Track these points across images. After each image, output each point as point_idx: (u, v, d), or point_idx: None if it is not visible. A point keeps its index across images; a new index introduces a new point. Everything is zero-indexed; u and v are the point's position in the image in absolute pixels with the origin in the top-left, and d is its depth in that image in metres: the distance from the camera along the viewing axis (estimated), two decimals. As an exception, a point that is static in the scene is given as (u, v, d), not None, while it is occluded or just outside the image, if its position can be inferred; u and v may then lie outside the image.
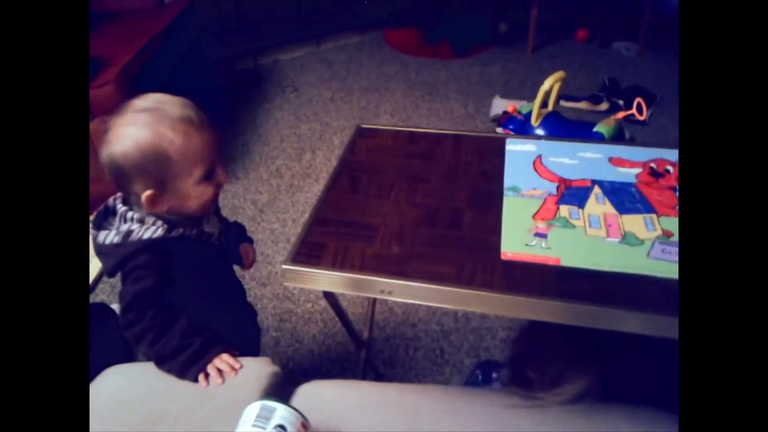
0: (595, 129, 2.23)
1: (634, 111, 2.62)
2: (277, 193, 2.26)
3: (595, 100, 2.76)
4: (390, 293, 0.85)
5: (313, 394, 0.91)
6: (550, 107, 2.33)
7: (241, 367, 0.89)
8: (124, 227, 0.89)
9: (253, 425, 0.72)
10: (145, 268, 0.88)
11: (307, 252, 0.89)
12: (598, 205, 0.95)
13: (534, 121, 2.29)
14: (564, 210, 0.94)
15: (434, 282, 0.82)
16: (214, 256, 1.00)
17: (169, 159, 0.84)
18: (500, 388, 1.18)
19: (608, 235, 0.88)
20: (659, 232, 0.88)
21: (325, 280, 0.88)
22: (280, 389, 0.90)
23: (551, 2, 3.32)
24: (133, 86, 1.86)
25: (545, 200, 0.96)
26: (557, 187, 0.99)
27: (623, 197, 0.96)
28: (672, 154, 1.06)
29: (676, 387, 0.55)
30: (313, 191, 2.25)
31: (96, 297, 1.80)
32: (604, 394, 0.85)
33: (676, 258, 0.82)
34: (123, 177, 0.87)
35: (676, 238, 0.87)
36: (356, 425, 0.84)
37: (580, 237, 0.88)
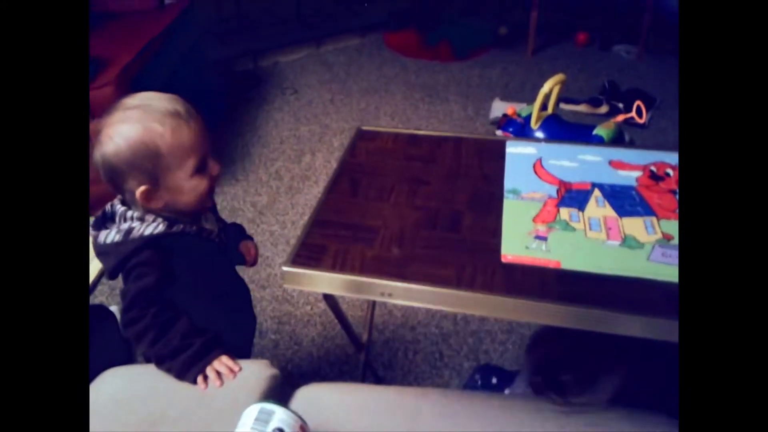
0: (594, 132, 2.23)
1: (633, 114, 2.62)
2: (276, 195, 2.25)
3: (595, 103, 2.76)
4: (390, 296, 0.85)
5: (312, 397, 0.90)
6: (549, 110, 2.34)
7: (240, 369, 0.89)
8: (125, 226, 0.89)
9: (252, 428, 0.71)
10: (147, 265, 0.88)
11: (307, 254, 0.89)
12: (598, 208, 0.94)
13: (534, 123, 2.29)
14: (564, 213, 0.94)
15: (434, 284, 0.82)
16: (214, 252, 1.01)
17: (160, 153, 0.85)
18: (521, 393, 1.17)
19: (608, 238, 0.88)
20: (659, 235, 0.88)
21: (325, 282, 0.88)
22: (279, 392, 0.90)
23: (551, 5, 3.33)
24: (133, 87, 1.85)
25: (545, 203, 0.96)
26: (557, 190, 0.99)
27: (623, 200, 0.96)
28: (672, 157, 1.06)
29: (676, 391, 0.55)
30: (312, 193, 2.25)
31: (95, 299, 1.79)
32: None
33: (677, 261, 0.82)
34: (117, 175, 0.88)
35: (676, 241, 0.86)
36: (355, 428, 0.84)
37: (581, 240, 0.88)
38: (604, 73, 3.09)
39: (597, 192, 0.98)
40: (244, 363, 0.91)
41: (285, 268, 0.88)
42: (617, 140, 2.25)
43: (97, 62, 1.88)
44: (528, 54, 3.37)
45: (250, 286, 1.76)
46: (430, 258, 0.87)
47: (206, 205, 0.97)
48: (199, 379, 0.87)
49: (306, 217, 1.00)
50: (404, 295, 0.84)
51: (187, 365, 0.87)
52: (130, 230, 0.88)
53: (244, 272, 1.19)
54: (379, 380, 1.52)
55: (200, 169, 0.90)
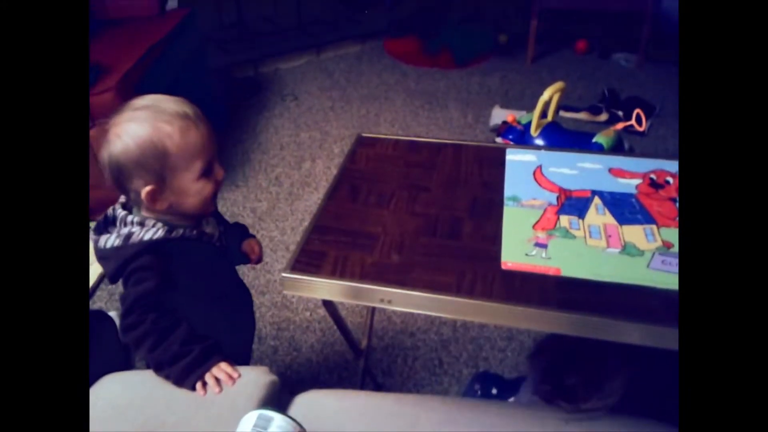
0: (594, 139, 2.23)
1: (633, 122, 2.62)
2: (276, 201, 2.25)
3: (595, 110, 2.77)
4: (390, 302, 0.85)
5: (311, 404, 0.90)
6: (549, 117, 2.34)
7: (239, 376, 0.89)
8: (125, 230, 0.89)
9: (251, 434, 0.71)
10: (146, 270, 0.88)
11: (307, 260, 0.89)
12: (598, 216, 0.95)
13: (533, 131, 2.29)
14: (564, 220, 0.94)
15: (434, 291, 0.82)
16: (214, 257, 1.01)
17: (167, 153, 0.86)
18: (527, 401, 1.16)
19: (608, 246, 0.88)
20: (659, 243, 0.88)
21: (325, 288, 0.88)
22: (278, 398, 0.90)
23: (551, 13, 3.34)
24: (134, 93, 1.86)
25: (545, 210, 0.96)
26: (557, 198, 0.99)
27: (623, 208, 0.96)
28: (672, 165, 1.06)
29: (676, 398, 0.55)
30: (312, 199, 2.25)
31: (94, 304, 1.79)
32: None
33: (677, 269, 0.82)
34: (123, 175, 0.88)
35: (676, 249, 0.87)
36: (354, 435, 0.83)
37: (581, 247, 0.88)
38: (603, 81, 3.10)
39: (597, 200, 0.98)
40: (243, 369, 0.91)
41: (284, 275, 0.88)
42: (617, 148, 2.26)
43: (98, 68, 1.89)
44: (528, 62, 3.38)
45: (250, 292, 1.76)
46: (430, 265, 0.87)
47: (209, 209, 0.97)
48: (198, 385, 0.87)
49: (306, 224, 1.00)
50: (404, 302, 0.84)
51: (185, 372, 0.87)
52: (129, 235, 0.88)
53: (242, 278, 1.19)
54: (378, 387, 1.52)
55: (206, 173, 0.91)
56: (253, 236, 1.19)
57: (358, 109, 2.96)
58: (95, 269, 1.85)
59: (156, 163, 0.86)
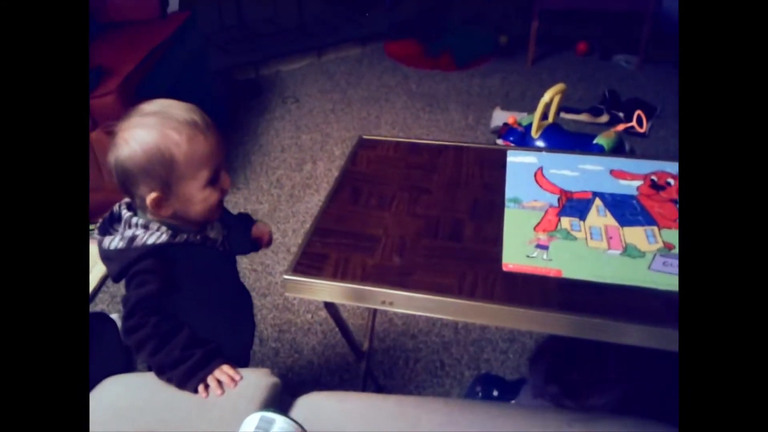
0: (595, 141, 2.23)
1: (634, 123, 2.63)
2: (277, 204, 2.26)
3: (596, 112, 2.77)
4: (391, 304, 0.85)
5: (313, 406, 0.90)
6: (550, 119, 2.34)
7: (241, 378, 0.89)
8: (129, 233, 0.89)
9: (253, 437, 0.71)
10: (149, 273, 0.88)
11: (308, 262, 0.90)
12: (599, 217, 0.95)
13: (534, 132, 2.30)
14: (565, 222, 0.94)
15: (435, 293, 0.82)
16: (217, 262, 1.01)
17: (174, 161, 0.85)
18: (530, 402, 1.16)
19: (609, 247, 0.88)
20: (660, 244, 0.88)
21: (326, 290, 0.88)
22: (280, 400, 0.90)
23: (551, 15, 3.34)
24: (135, 96, 1.86)
25: (546, 212, 0.96)
26: (558, 199, 0.99)
27: (624, 209, 0.96)
28: (673, 167, 1.06)
29: (676, 399, 0.55)
30: (313, 201, 2.25)
31: (96, 306, 1.79)
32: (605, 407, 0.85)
33: (678, 270, 0.82)
34: (129, 180, 0.88)
35: (677, 250, 0.87)
36: (356, 437, 0.83)
37: (582, 249, 0.88)
38: (604, 82, 3.10)
39: (598, 201, 0.98)
40: (245, 371, 0.91)
41: (286, 277, 0.88)
42: (618, 149, 2.26)
43: (99, 71, 1.89)
44: (528, 63, 3.38)
45: (251, 295, 1.76)
46: (431, 267, 0.87)
47: (215, 216, 0.96)
48: (200, 387, 0.87)
49: (307, 226, 1.01)
50: (405, 304, 0.84)
51: (187, 375, 0.87)
52: (133, 238, 0.88)
53: (243, 280, 1.19)
54: (379, 389, 1.52)
55: (213, 181, 0.90)
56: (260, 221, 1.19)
57: (359, 111, 2.96)
58: (97, 271, 1.85)
59: (162, 171, 0.85)
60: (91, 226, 0.94)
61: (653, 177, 1.04)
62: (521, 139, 2.33)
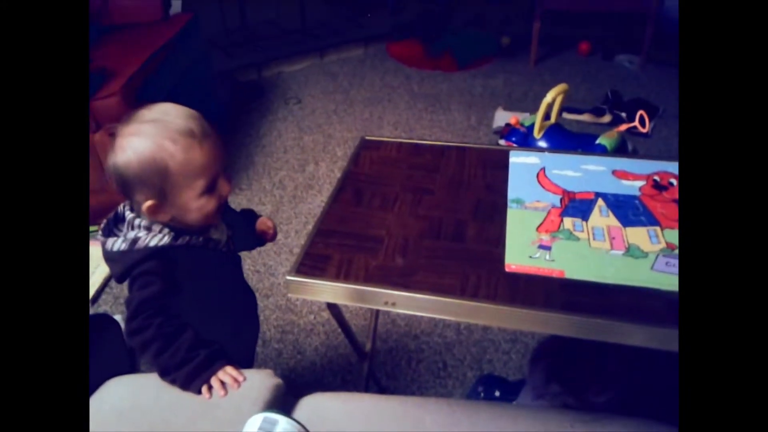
0: (597, 141, 2.23)
1: (636, 123, 2.62)
2: (280, 205, 2.26)
3: (598, 112, 2.77)
4: (394, 305, 0.85)
5: (316, 407, 0.90)
6: (552, 119, 2.34)
7: (245, 379, 0.89)
8: (132, 234, 0.90)
9: (256, 437, 0.71)
10: (152, 275, 0.88)
11: (311, 263, 0.90)
12: (601, 218, 0.95)
13: (537, 133, 2.30)
14: (568, 222, 0.94)
15: (438, 294, 0.82)
16: (220, 263, 1.01)
17: (168, 171, 0.85)
18: (531, 402, 1.16)
19: (612, 248, 0.88)
20: (663, 244, 0.88)
21: (329, 291, 0.88)
22: (283, 401, 0.90)
23: (554, 15, 3.34)
24: (138, 98, 1.87)
25: (549, 212, 0.96)
26: (561, 200, 0.99)
27: (627, 210, 0.96)
28: (675, 167, 1.06)
29: (676, 399, 0.55)
30: (316, 202, 2.26)
31: (99, 307, 1.80)
32: (607, 404, 0.85)
33: (681, 271, 0.82)
34: (126, 186, 0.88)
35: (680, 250, 0.86)
36: (359, 438, 0.83)
37: (584, 249, 0.88)
38: (606, 82, 3.10)
39: (600, 201, 0.98)
40: (248, 373, 0.91)
41: (289, 278, 0.88)
42: (620, 150, 2.26)
43: (102, 73, 1.90)
44: (531, 64, 3.38)
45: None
46: (434, 267, 0.87)
47: (212, 222, 0.96)
48: (204, 389, 0.87)
49: (310, 227, 1.01)
50: (408, 305, 0.84)
51: (191, 376, 0.87)
52: (136, 240, 0.89)
53: (247, 280, 1.19)
54: (382, 390, 1.52)
55: (209, 190, 0.90)
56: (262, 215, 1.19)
57: (362, 112, 2.96)
58: (101, 272, 1.85)
59: (157, 180, 0.86)
60: (95, 228, 0.95)
61: (656, 177, 1.04)
62: (524, 139, 2.33)
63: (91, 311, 1.76)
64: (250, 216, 1.16)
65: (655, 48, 3.21)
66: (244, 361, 1.10)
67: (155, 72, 2.07)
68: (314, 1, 3.73)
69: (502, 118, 2.70)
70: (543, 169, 1.08)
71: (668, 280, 0.81)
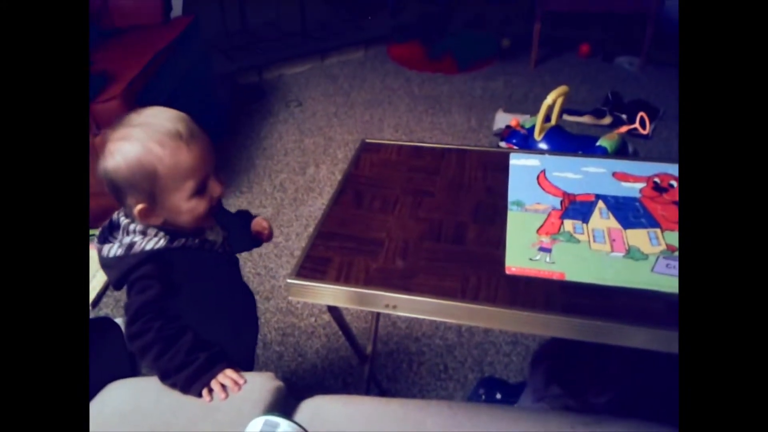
0: (598, 143, 2.23)
1: (637, 125, 2.63)
2: (280, 207, 2.26)
3: (598, 114, 2.77)
4: (395, 307, 0.85)
5: (317, 409, 0.90)
6: (553, 121, 2.34)
7: (245, 382, 0.89)
8: (127, 239, 0.90)
9: (257, 440, 0.71)
10: (149, 278, 0.88)
11: (312, 266, 0.90)
12: (602, 220, 0.95)
13: (537, 135, 2.30)
14: (568, 224, 0.94)
15: (439, 296, 0.82)
16: (217, 264, 1.01)
17: (157, 175, 0.85)
18: (532, 405, 1.16)
19: (613, 250, 0.88)
20: (663, 246, 0.88)
21: (330, 294, 0.88)
22: (284, 404, 0.90)
23: (554, 17, 3.35)
24: (139, 101, 1.87)
25: (549, 215, 0.96)
26: (561, 202, 0.99)
27: (627, 212, 0.96)
28: (676, 169, 1.06)
29: (676, 400, 0.55)
30: (316, 205, 2.26)
31: (100, 311, 1.80)
32: (608, 406, 0.85)
33: (681, 273, 0.82)
34: (117, 191, 0.89)
35: (680, 252, 0.86)
36: (360, 441, 0.83)
37: (585, 251, 0.88)
38: (607, 84, 3.10)
39: (601, 204, 0.98)
40: (249, 375, 0.91)
41: (290, 280, 0.88)
42: (621, 151, 2.26)
43: (103, 77, 1.90)
44: (531, 66, 3.38)
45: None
46: (435, 270, 0.87)
47: (204, 223, 0.96)
48: (204, 392, 0.87)
49: (310, 229, 1.01)
50: (408, 307, 0.84)
51: (191, 379, 0.87)
52: (131, 245, 0.89)
53: (247, 283, 1.19)
54: (383, 392, 1.52)
55: (200, 191, 0.90)
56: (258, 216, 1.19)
57: (362, 114, 2.97)
58: (101, 276, 1.86)
59: (146, 184, 0.86)
60: (96, 231, 0.95)
61: (656, 179, 1.04)
62: (524, 141, 2.34)
63: (93, 314, 1.76)
64: (245, 217, 1.17)
65: (656, 49, 3.21)
66: (245, 362, 1.10)
67: (156, 75, 2.08)
68: (315, 3, 3.74)
69: (503, 120, 2.70)
70: (543, 171, 1.08)
71: (668, 282, 0.81)
